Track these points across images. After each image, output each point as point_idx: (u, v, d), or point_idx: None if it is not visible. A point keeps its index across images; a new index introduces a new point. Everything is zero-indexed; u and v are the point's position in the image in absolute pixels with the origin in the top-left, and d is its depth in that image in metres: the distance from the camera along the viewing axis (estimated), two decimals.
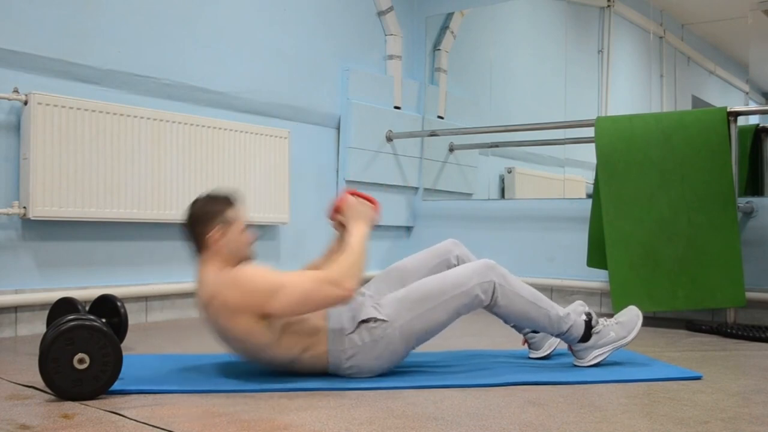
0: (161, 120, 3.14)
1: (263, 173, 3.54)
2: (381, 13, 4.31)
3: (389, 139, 4.25)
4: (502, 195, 4.55)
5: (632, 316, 2.29)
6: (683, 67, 4.34)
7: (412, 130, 4.37)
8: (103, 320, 2.12)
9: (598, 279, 3.65)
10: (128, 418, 1.63)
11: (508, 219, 4.11)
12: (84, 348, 1.76)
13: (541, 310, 2.16)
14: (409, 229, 4.45)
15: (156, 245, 3.24)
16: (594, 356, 2.23)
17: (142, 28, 3.16)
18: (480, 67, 4.71)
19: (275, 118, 3.73)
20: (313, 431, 1.56)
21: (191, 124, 3.25)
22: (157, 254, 3.24)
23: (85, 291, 2.90)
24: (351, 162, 4.05)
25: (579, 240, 3.62)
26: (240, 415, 1.66)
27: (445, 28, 4.56)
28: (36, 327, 2.80)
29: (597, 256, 3.43)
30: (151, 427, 1.56)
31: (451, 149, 4.55)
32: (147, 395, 1.84)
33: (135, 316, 3.10)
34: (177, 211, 3.19)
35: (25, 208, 2.74)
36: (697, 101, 4.29)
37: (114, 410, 1.69)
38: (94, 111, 2.91)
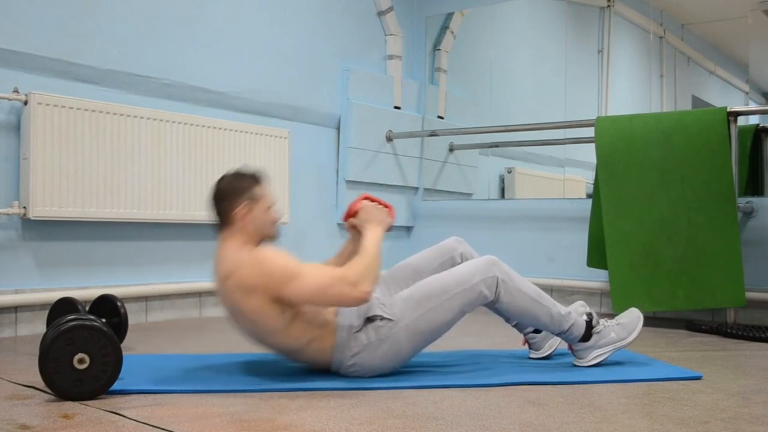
0: (161, 120, 3.14)
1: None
2: (381, 13, 4.31)
3: (389, 139, 4.25)
4: (502, 195, 4.55)
5: (633, 318, 2.30)
6: (683, 67, 4.34)
7: (412, 130, 4.37)
8: (103, 320, 2.12)
9: (598, 279, 3.65)
10: (128, 418, 1.63)
11: (508, 219, 4.11)
12: (84, 348, 1.76)
13: (543, 307, 2.16)
14: (409, 229, 4.45)
15: (156, 245, 3.24)
16: (594, 356, 2.23)
17: (142, 28, 3.16)
18: (480, 67, 4.71)
19: (275, 118, 3.73)
20: (313, 431, 1.56)
21: (191, 124, 3.25)
22: (157, 254, 3.24)
23: (85, 291, 2.90)
24: (351, 162, 4.05)
25: (579, 240, 3.62)
26: (240, 415, 1.66)
27: (445, 28, 4.56)
28: (36, 327, 2.80)
29: (597, 256, 3.43)
30: (151, 427, 1.57)
31: (451, 149, 4.55)
32: (147, 395, 1.84)
33: (135, 316, 3.10)
34: (177, 211, 3.19)
35: (25, 208, 2.74)
36: (697, 101, 4.29)
37: (114, 410, 1.69)
38: (94, 111, 2.91)
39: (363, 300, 1.95)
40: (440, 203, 4.41)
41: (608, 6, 4.31)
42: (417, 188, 4.47)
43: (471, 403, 1.82)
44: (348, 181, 4.06)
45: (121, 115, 3.00)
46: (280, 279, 1.92)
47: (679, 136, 3.23)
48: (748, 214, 3.33)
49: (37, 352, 1.79)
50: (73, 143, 2.85)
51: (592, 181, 3.53)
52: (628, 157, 3.30)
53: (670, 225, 3.19)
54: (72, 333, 1.76)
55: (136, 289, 3.13)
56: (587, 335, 2.22)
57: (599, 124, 3.42)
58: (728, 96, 4.21)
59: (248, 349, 2.52)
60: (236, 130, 3.44)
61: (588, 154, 3.63)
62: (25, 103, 2.75)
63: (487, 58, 4.67)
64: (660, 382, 2.09)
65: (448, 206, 4.38)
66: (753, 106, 3.81)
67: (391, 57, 4.35)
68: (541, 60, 4.77)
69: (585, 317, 2.23)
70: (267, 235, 2.07)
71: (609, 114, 4.11)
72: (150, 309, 3.21)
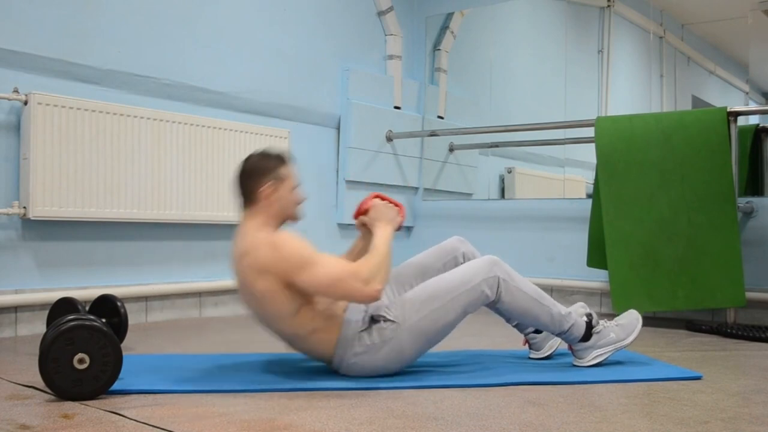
0: (161, 120, 3.14)
1: None
2: (381, 13, 4.31)
3: (389, 139, 4.25)
4: (502, 195, 4.55)
5: (632, 319, 2.30)
6: (683, 67, 4.34)
7: (412, 130, 4.37)
8: (103, 320, 2.12)
9: (598, 279, 3.65)
10: (128, 418, 1.63)
11: (508, 219, 4.11)
12: (84, 348, 1.76)
13: (543, 307, 2.17)
14: (409, 229, 4.45)
15: (156, 245, 3.24)
16: (594, 356, 2.24)
17: (142, 28, 3.16)
18: (480, 67, 4.71)
19: (275, 118, 3.73)
20: (313, 431, 1.56)
21: (191, 124, 3.25)
22: (157, 254, 3.24)
23: (85, 291, 2.90)
24: (351, 162, 4.05)
25: (579, 240, 3.62)
26: (240, 415, 1.66)
27: (445, 28, 4.56)
28: (36, 327, 2.80)
29: (597, 256, 3.43)
30: (151, 427, 1.56)
31: (451, 149, 4.55)
32: (147, 395, 1.84)
33: (135, 316, 3.10)
34: (177, 211, 3.19)
35: (25, 208, 2.74)
36: (697, 101, 4.29)
37: (114, 410, 1.69)
38: (94, 111, 2.91)
39: (374, 298, 1.96)
40: (440, 203, 4.41)
41: (608, 6, 4.31)
42: (417, 188, 4.47)
43: (471, 403, 1.82)
44: (348, 181, 4.06)
45: (121, 115, 3.00)
46: (295, 265, 1.93)
47: (679, 136, 3.23)
48: (748, 214, 3.33)
49: (37, 352, 1.79)
50: (73, 143, 2.85)
51: (592, 181, 3.53)
52: (628, 157, 3.30)
53: (670, 225, 3.19)
54: (72, 333, 1.76)
55: (136, 289, 3.13)
56: (587, 335, 2.22)
57: (599, 124, 3.42)
58: (728, 96, 4.21)
59: (248, 349, 2.52)
60: (236, 130, 3.44)
61: (588, 154, 3.63)
62: (25, 103, 2.75)
63: (487, 58, 4.67)
64: (660, 382, 2.09)
65: (448, 206, 4.38)
66: (753, 106, 3.81)
67: (391, 57, 4.35)
68: (541, 60, 4.77)
69: (585, 318, 2.23)
70: (290, 216, 2.09)
71: (609, 114, 4.11)
72: (150, 309, 3.21)
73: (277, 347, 2.26)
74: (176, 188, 3.19)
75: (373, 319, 2.04)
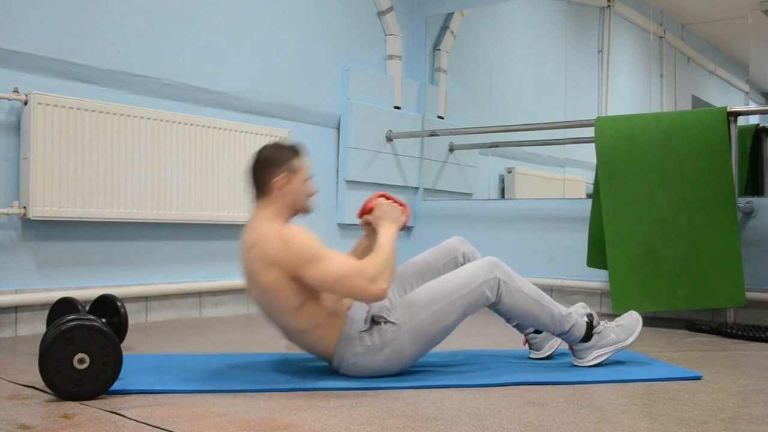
0: (161, 120, 3.14)
1: None
2: (381, 13, 4.31)
3: (389, 139, 4.25)
4: (502, 195, 4.55)
5: (632, 320, 2.31)
6: (683, 67, 4.34)
7: (412, 130, 4.37)
8: (103, 320, 2.12)
9: (598, 279, 3.65)
10: (128, 418, 1.63)
11: (508, 219, 4.11)
12: (84, 348, 1.76)
13: (544, 308, 2.16)
14: (409, 229, 4.45)
15: (156, 245, 3.24)
16: (594, 356, 2.24)
17: (142, 28, 3.16)
18: (480, 67, 4.71)
19: (275, 118, 3.73)
20: (313, 431, 1.56)
21: (191, 124, 3.25)
22: (157, 254, 3.24)
23: (85, 291, 2.90)
24: (351, 162, 4.05)
25: (579, 240, 3.62)
26: (240, 415, 1.66)
27: (445, 28, 4.56)
28: (36, 327, 2.80)
29: (597, 256, 3.43)
30: (151, 427, 1.56)
31: (451, 149, 4.55)
32: (147, 395, 1.84)
33: (135, 316, 3.10)
34: (177, 211, 3.19)
35: (25, 208, 2.74)
36: (697, 101, 4.29)
37: (114, 410, 1.69)
38: (94, 111, 2.91)
39: (380, 296, 1.96)
40: (440, 203, 4.41)
41: (608, 6, 4.31)
42: (417, 188, 4.47)
43: (471, 403, 1.82)
44: (348, 181, 4.06)
45: (121, 115, 3.00)
46: (303, 259, 1.94)
47: (679, 136, 3.23)
48: (748, 214, 3.33)
49: (37, 352, 1.79)
50: (73, 143, 2.85)
51: (592, 181, 3.53)
52: (628, 157, 3.30)
53: (670, 225, 3.19)
54: (72, 333, 1.76)
55: (136, 289, 3.13)
56: (588, 336, 2.22)
57: (599, 124, 3.42)
58: (728, 96, 4.21)
59: (248, 349, 2.52)
60: (236, 130, 3.44)
61: (588, 154, 3.63)
62: (25, 103, 2.75)
63: (487, 58, 4.67)
64: (660, 382, 2.09)
65: (448, 206, 4.38)
66: (753, 106, 3.81)
67: (391, 57, 4.35)
68: (541, 60, 4.77)
69: (586, 318, 2.23)
70: (302, 208, 2.09)
71: (609, 114, 4.11)
72: (150, 309, 3.21)
73: (277, 347, 2.27)
74: (176, 188, 3.19)
75: (375, 321, 2.04)
